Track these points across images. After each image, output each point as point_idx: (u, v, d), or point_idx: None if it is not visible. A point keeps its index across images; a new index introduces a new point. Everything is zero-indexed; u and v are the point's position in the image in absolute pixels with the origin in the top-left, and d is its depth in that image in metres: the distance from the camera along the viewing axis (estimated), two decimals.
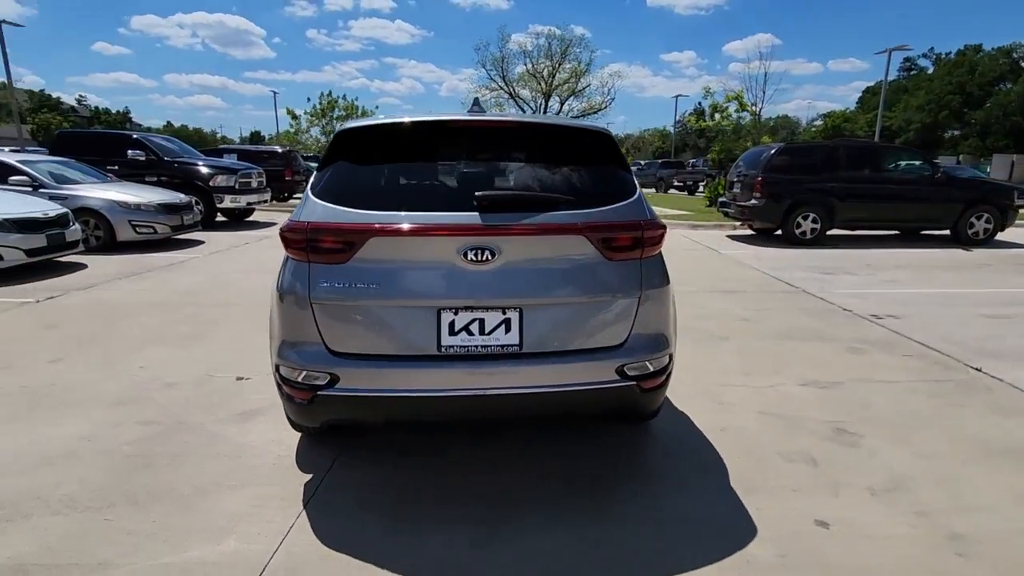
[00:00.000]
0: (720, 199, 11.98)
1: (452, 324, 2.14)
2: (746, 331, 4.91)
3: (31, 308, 5.61)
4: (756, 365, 4.08)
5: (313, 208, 2.20)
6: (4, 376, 3.77)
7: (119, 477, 2.60)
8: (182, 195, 10.02)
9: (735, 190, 10.72)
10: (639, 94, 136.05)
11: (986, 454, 2.86)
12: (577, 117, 45.30)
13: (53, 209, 7.48)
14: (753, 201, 9.88)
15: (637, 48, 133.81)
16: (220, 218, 12.34)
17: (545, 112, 44.21)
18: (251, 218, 13.35)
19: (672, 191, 27.75)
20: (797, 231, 9.78)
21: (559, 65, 42.36)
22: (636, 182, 2.42)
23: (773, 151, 10.07)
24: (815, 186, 9.71)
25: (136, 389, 3.57)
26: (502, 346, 2.15)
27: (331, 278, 2.13)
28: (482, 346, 2.15)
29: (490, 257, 2.09)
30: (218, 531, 2.22)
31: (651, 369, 2.30)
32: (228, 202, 11.73)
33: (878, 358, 4.24)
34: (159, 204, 9.28)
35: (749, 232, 11.30)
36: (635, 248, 2.24)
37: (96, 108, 58.45)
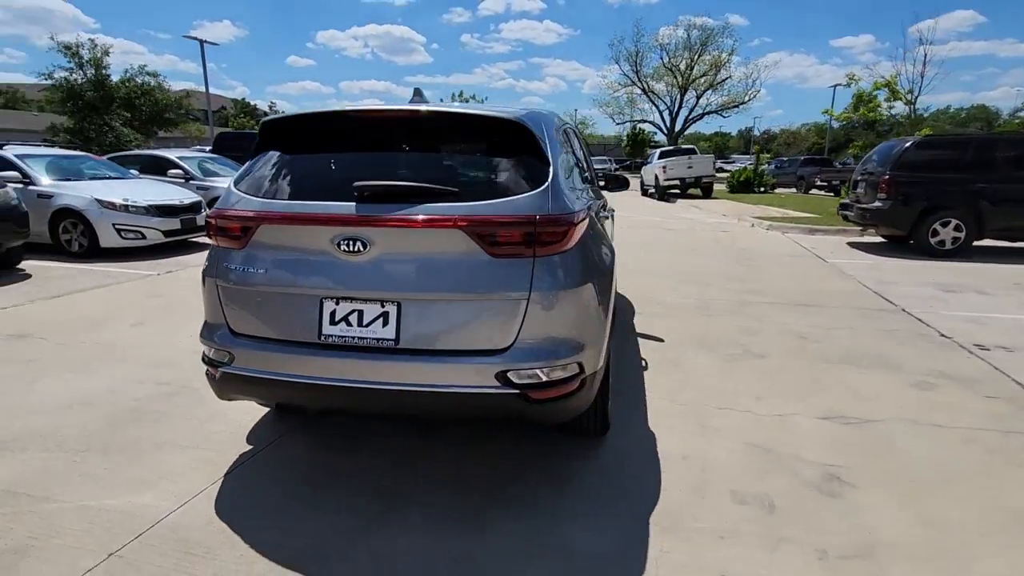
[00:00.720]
0: (842, 201, 10.47)
1: (333, 314, 2.15)
2: (795, 350, 4.26)
3: (150, 279, 6.68)
4: (778, 389, 3.53)
5: (228, 196, 2.35)
6: (89, 334, 4.54)
7: (109, 427, 3.00)
8: None
9: (859, 190, 9.30)
10: (800, 85, 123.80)
11: (1020, 531, 2.19)
12: (715, 112, 42.43)
13: (188, 197, 8.85)
14: (877, 203, 8.47)
15: (801, 34, 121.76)
16: None
17: (680, 106, 42.01)
18: None
19: (815, 191, 24.82)
20: (933, 240, 8.20)
21: (697, 57, 39.93)
22: (551, 173, 2.21)
23: (908, 144, 8.51)
24: (960, 187, 8.07)
25: (174, 353, 4.09)
26: (378, 339, 2.12)
27: (231, 262, 2.27)
28: (359, 338, 2.13)
29: (362, 248, 2.07)
30: (146, 484, 2.48)
31: (543, 379, 2.11)
32: None
33: (948, 396, 3.44)
34: None
35: (878, 240, 9.73)
36: (526, 245, 2.06)
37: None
